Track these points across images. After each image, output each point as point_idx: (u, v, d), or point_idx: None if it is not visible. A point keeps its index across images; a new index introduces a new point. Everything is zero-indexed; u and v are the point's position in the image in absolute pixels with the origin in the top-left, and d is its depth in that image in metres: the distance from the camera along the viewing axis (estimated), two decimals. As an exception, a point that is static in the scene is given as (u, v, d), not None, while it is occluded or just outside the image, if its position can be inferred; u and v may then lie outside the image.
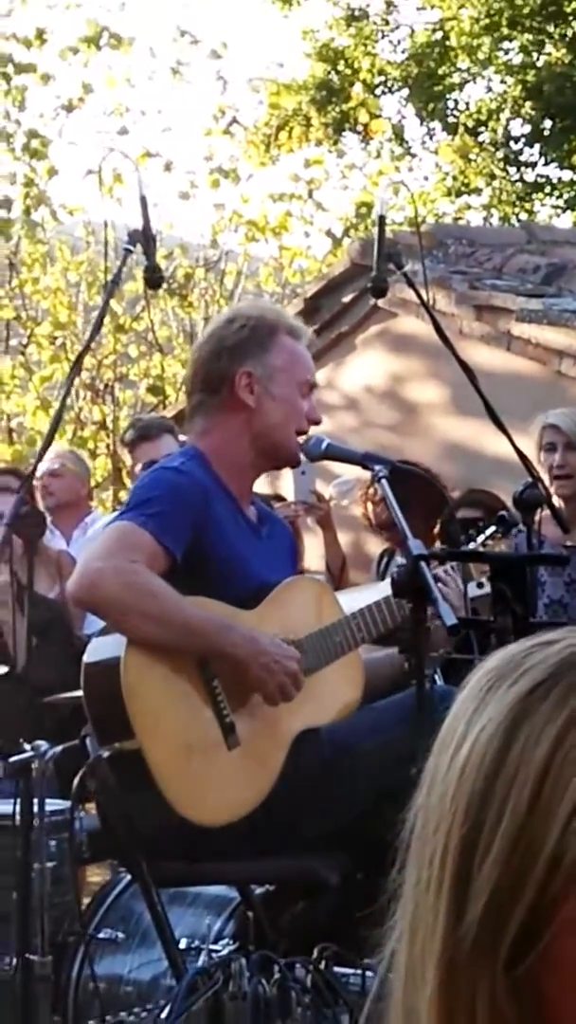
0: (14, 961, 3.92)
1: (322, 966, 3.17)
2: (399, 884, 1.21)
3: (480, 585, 3.94)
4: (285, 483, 6.30)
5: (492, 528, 4.22)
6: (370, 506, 5.97)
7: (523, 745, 1.14)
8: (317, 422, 4.01)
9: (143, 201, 4.32)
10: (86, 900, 4.38)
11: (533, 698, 1.16)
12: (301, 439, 3.97)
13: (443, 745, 1.21)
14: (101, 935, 4.09)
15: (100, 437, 11.42)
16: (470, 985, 1.13)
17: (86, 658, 3.68)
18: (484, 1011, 1.13)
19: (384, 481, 3.68)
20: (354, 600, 4.05)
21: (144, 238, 4.31)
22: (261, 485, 5.99)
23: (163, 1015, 2.99)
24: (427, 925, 1.16)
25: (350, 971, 3.41)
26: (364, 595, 4.10)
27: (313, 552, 6.38)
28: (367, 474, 4.17)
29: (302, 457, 4.05)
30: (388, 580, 3.60)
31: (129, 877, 4.06)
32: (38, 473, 6.30)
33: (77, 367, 5.13)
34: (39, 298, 11.75)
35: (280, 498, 6.24)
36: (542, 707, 1.15)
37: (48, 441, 4.39)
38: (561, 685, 1.16)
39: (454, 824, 1.15)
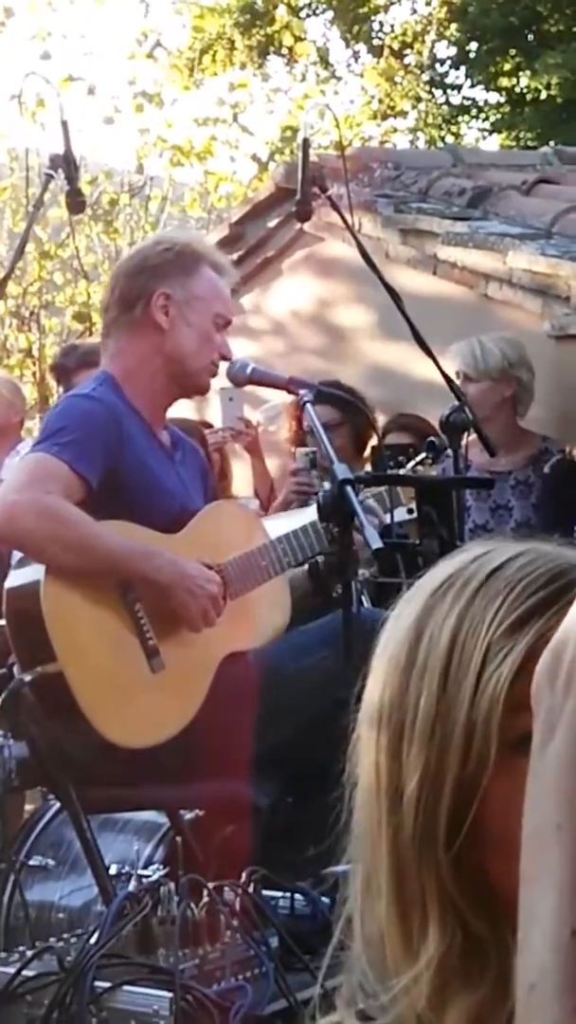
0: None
1: (251, 889, 3.19)
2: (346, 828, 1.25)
3: (411, 511, 3.95)
4: (212, 409, 6.27)
5: (422, 454, 4.23)
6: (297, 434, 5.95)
7: (431, 633, 1.19)
8: (228, 359, 3.98)
9: (64, 125, 4.30)
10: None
11: (438, 594, 1.21)
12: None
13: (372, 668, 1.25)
14: (31, 862, 4.10)
15: (26, 365, 11.32)
16: (418, 878, 1.16)
17: (7, 584, 3.67)
18: (434, 901, 1.15)
19: (309, 405, 3.67)
20: (282, 525, 4.05)
21: (66, 163, 4.29)
22: (188, 411, 5.99)
23: (92, 940, 2.99)
24: (373, 838, 1.19)
25: (279, 894, 3.44)
26: (291, 520, 4.10)
27: (241, 478, 6.36)
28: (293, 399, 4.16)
29: (229, 383, 4.03)
30: (314, 505, 3.60)
31: (58, 804, 4.07)
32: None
33: (-1, 292, 5.09)
34: (-38, 226, 11.61)
35: (207, 424, 6.21)
36: (447, 598, 1.20)
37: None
38: (462, 579, 1.21)
39: (381, 727, 1.19)
